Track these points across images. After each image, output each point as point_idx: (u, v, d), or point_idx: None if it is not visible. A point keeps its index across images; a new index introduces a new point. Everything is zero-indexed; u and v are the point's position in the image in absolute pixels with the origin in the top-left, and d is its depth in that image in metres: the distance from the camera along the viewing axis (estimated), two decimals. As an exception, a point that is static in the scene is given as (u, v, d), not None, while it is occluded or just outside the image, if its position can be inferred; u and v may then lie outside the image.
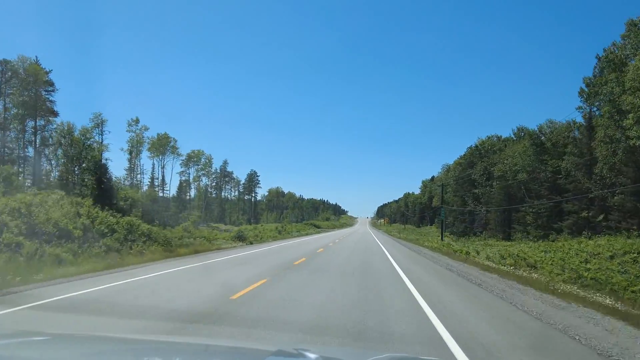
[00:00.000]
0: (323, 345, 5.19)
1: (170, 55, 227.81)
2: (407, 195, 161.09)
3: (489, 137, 60.52)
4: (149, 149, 69.00)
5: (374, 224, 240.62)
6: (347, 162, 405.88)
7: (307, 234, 69.57)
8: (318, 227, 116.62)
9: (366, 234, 68.19)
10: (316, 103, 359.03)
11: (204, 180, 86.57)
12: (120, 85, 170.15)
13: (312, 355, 2.15)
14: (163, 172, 73.10)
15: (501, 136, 59.65)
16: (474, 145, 63.55)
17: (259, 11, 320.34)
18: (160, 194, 77.31)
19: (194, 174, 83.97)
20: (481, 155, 60.33)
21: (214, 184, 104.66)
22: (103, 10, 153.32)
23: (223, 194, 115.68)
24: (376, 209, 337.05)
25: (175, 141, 71.19)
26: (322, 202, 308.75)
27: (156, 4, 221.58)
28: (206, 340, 4.30)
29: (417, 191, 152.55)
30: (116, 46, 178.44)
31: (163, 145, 69.94)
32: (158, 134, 69.45)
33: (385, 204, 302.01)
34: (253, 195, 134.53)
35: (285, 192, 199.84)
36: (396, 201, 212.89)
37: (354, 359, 2.81)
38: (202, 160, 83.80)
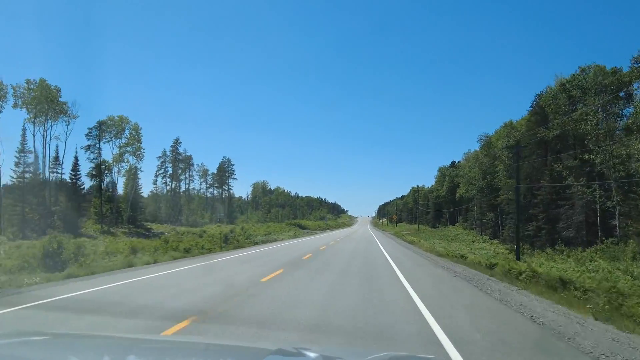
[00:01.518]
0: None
1: (170, 60, 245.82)
2: (415, 190, 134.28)
3: (582, 69, 33.84)
4: (14, 106, 42.46)
5: (375, 223, 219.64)
6: (347, 163, 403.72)
7: (275, 240, 43.48)
8: (304, 228, 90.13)
9: (366, 241, 41.66)
10: (317, 105, 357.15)
11: (132, 161, 59.88)
12: (118, 87, 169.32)
13: (312, 354, 2.09)
14: (44, 143, 46.38)
15: (604, 66, 32.91)
16: (549, 87, 36.90)
17: (264, 20, 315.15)
18: (53, 177, 50.73)
19: (116, 152, 57.36)
20: (572, 99, 33.68)
21: (161, 171, 78.17)
22: (101, 13, 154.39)
23: (183, 185, 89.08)
24: (377, 208, 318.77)
25: (59, 91, 44.30)
26: (320, 200, 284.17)
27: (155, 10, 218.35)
28: (206, 339, 4.35)
29: (428, 185, 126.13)
30: (115, 46, 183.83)
31: (42, 101, 43.34)
32: (28, 80, 42.66)
33: (388, 202, 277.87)
34: (226, 188, 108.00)
35: (274, 188, 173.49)
36: (401, 198, 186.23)
37: (354, 358, 2.64)
38: (126, 132, 57.15)
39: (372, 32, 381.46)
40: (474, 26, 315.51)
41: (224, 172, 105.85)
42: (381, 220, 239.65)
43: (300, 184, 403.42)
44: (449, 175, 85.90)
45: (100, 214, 53.73)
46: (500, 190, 50.00)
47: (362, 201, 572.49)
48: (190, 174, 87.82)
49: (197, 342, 3.13)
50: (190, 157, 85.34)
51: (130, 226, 57.56)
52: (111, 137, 56.72)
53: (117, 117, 56.55)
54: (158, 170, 77.60)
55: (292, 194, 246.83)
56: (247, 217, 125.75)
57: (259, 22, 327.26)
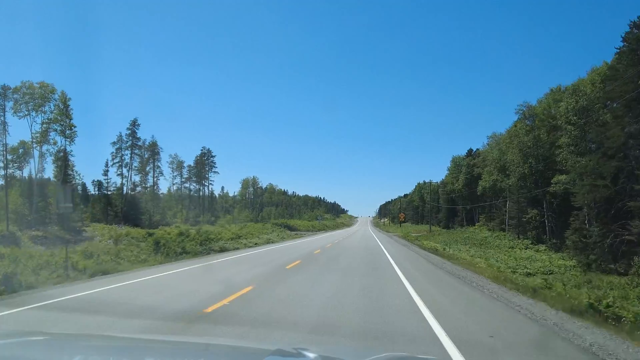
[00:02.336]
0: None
1: (168, 59, 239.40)
2: (421, 186, 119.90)
3: None
4: None
5: (376, 223, 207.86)
6: (348, 163, 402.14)
7: (237, 249, 29.92)
8: (293, 228, 75.97)
9: (367, 253, 27.53)
10: (318, 104, 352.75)
11: (61, 142, 45.77)
12: (116, 84, 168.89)
13: (311, 355, 2.04)
14: None
15: None
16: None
17: (266, 20, 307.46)
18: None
19: (39, 129, 43.32)
20: None
21: (117, 160, 63.73)
22: (99, 12, 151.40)
23: (151, 179, 74.83)
24: (378, 208, 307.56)
25: None
26: (319, 199, 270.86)
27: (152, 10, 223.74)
28: (207, 339, 4.17)
29: (434, 181, 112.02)
30: (113, 46, 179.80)
31: None
32: None
33: (389, 201, 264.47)
34: (206, 184, 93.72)
35: (266, 185, 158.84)
36: (404, 196, 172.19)
37: (353, 359, 2.61)
38: (52, 103, 43.14)
39: (373, 30, 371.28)
40: (474, 24, 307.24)
41: (203, 165, 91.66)
42: (382, 220, 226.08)
43: (300, 184, 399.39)
44: (466, 165, 71.65)
45: (6, 210, 39.66)
46: (553, 175, 35.87)
47: (362, 202, 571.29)
48: (157, 164, 73.52)
49: (198, 342, 3.10)
50: (155, 145, 70.98)
51: (56, 227, 43.50)
52: (29, 111, 42.63)
53: (37, 84, 42.50)
54: (113, 159, 63.29)
55: (290, 192, 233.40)
56: (233, 216, 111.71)
57: (258, 21, 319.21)
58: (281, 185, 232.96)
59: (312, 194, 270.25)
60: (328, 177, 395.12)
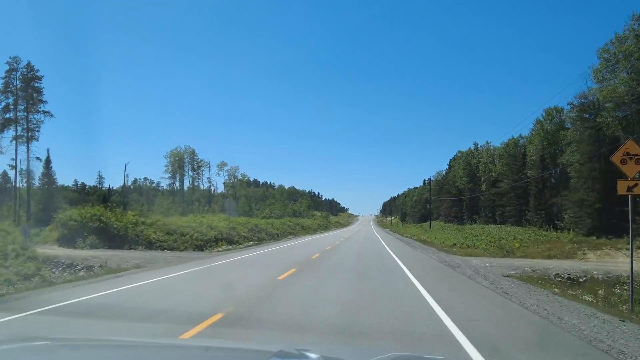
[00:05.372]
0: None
1: (168, 56, 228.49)
2: (468, 155, 68.80)
3: None
4: None
5: (380, 222, 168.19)
6: (347, 163, 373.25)
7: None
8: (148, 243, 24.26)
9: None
10: (319, 101, 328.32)
11: None
12: (118, 86, 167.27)
13: (313, 355, 2.01)
14: None
15: None
16: None
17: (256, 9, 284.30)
18: None
19: None
20: None
21: None
22: (101, 12, 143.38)
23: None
24: (381, 205, 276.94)
25: None
26: (312, 194, 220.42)
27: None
28: (208, 342, 4.21)
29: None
30: (114, 48, 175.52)
31: None
32: None
33: (395, 196, 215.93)
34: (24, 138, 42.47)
35: (218, 163, 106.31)
36: (426, 182, 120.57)
37: (356, 359, 2.55)
38: None
39: (374, 23, 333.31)
40: (479, 18, 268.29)
41: (13, 90, 40.94)
42: (388, 219, 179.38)
43: (301, 183, 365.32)
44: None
45: None
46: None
47: (363, 201, 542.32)
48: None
49: (199, 345, 3.06)
50: None
51: None
52: None
53: None
54: None
55: (278, 187, 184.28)
56: (128, 210, 61.00)
57: (256, 20, 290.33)
58: (282, 182, 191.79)
59: (313, 193, 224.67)
60: (328, 176, 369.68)
